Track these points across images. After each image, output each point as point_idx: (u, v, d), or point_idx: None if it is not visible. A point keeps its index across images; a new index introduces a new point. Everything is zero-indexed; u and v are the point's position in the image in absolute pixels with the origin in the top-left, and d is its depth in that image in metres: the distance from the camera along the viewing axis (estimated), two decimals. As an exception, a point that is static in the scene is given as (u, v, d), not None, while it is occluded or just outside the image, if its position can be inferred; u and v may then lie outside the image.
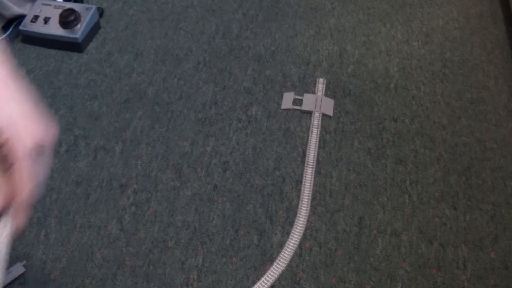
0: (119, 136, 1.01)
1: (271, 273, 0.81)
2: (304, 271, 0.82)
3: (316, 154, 0.98)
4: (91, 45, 1.20)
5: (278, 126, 1.05)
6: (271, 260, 0.83)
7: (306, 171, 0.95)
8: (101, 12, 1.27)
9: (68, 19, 1.15)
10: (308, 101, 1.09)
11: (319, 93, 1.10)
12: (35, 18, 1.20)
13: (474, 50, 1.24)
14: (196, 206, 0.90)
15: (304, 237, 0.86)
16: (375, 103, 1.10)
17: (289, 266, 0.82)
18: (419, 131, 1.05)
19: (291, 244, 0.85)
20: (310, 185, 0.93)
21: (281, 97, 1.10)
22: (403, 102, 1.11)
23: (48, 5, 1.23)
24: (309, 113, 1.07)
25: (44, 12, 1.22)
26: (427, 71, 1.18)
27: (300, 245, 0.85)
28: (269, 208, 0.91)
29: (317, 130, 1.02)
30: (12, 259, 0.82)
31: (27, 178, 0.57)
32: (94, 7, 1.20)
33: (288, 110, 1.08)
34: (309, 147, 0.99)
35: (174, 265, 0.82)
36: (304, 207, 0.90)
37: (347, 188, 0.94)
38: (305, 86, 1.12)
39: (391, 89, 1.14)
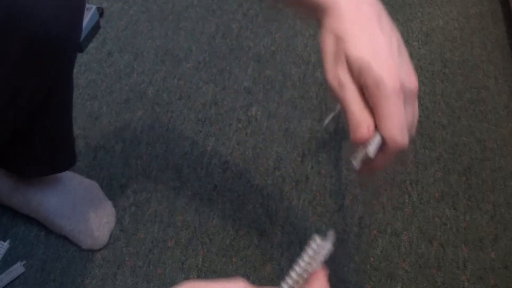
0: (119, 136, 1.01)
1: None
2: (304, 271, 0.82)
3: None
4: (91, 45, 1.20)
5: (278, 126, 1.05)
6: (271, 260, 0.83)
7: None
8: (101, 12, 1.27)
9: (68, 19, 1.15)
10: None
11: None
12: (35, 18, 1.20)
13: (474, 50, 1.24)
14: (196, 206, 0.90)
15: (304, 237, 0.86)
16: (375, 103, 1.10)
17: (290, 266, 0.82)
18: (419, 131, 1.05)
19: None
20: None
21: (281, 96, 1.10)
22: (403, 102, 1.11)
23: (48, 5, 1.22)
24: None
25: (44, 12, 1.21)
26: (427, 71, 1.18)
27: (300, 245, 0.85)
28: (269, 208, 0.91)
29: None
30: (12, 259, 0.82)
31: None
32: (94, 7, 1.20)
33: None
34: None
35: (174, 265, 0.82)
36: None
37: (347, 188, 0.94)
38: (305, 86, 1.12)
39: (391, 89, 1.13)
